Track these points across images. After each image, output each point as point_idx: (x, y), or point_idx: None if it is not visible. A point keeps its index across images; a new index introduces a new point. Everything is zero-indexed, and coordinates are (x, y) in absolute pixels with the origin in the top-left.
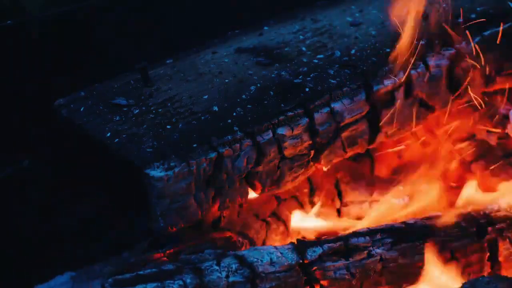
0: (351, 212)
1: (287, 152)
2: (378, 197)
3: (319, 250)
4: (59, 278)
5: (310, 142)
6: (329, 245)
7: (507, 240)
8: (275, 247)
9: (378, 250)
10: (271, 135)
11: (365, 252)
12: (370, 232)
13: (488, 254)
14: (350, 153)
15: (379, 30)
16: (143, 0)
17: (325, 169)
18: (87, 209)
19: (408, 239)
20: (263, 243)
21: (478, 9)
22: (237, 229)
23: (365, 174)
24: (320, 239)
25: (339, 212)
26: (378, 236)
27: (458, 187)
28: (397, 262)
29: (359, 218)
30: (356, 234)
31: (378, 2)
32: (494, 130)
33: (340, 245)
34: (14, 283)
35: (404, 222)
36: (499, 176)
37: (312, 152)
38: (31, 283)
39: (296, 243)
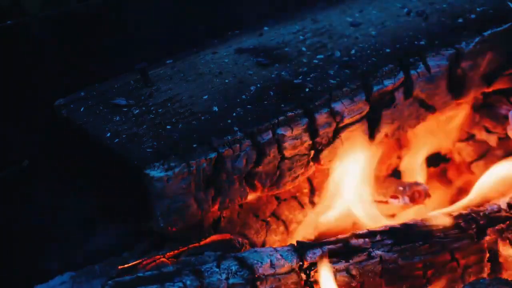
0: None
1: (287, 153)
2: (378, 197)
3: (319, 252)
4: (59, 278)
5: (310, 142)
6: (329, 246)
7: (507, 241)
8: (275, 249)
9: (378, 252)
10: (271, 135)
11: (365, 253)
12: (370, 234)
13: (488, 255)
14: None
15: (379, 30)
16: (143, 0)
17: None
18: (87, 209)
19: (408, 240)
20: (263, 244)
21: (478, 9)
22: (237, 229)
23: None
24: (320, 241)
25: None
26: (378, 238)
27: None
28: (397, 263)
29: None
30: (356, 235)
31: (378, 2)
32: (494, 130)
33: (340, 247)
34: (14, 283)
35: (403, 223)
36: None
37: (312, 152)
38: (31, 283)
39: (296, 244)
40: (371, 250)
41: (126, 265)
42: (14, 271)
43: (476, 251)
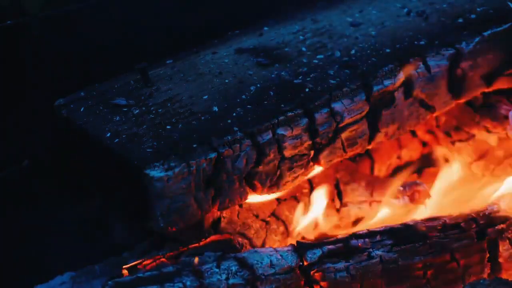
0: (351, 212)
1: (287, 153)
2: (378, 197)
3: (319, 252)
4: (59, 278)
5: (310, 142)
6: (329, 247)
7: (507, 241)
8: (275, 249)
9: (378, 252)
10: (271, 135)
11: (365, 253)
12: (370, 234)
13: (488, 255)
14: (350, 153)
15: (379, 31)
16: (144, 0)
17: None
18: (87, 209)
19: (408, 241)
20: (263, 243)
21: (478, 9)
22: (237, 229)
23: (365, 174)
24: (320, 241)
25: (338, 212)
26: (378, 238)
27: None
28: (397, 263)
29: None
30: (356, 235)
31: (378, 2)
32: (494, 130)
33: (340, 247)
34: (14, 283)
35: (403, 224)
36: (499, 177)
37: (312, 152)
38: (31, 283)
39: (296, 244)
40: (371, 250)
41: (126, 265)
42: (14, 271)
43: (476, 251)
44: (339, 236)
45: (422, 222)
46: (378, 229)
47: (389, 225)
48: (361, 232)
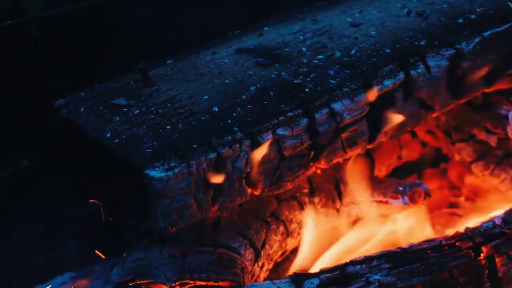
0: (351, 212)
1: (287, 153)
2: (378, 197)
3: (316, 281)
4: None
5: (310, 142)
6: (327, 275)
7: (504, 256)
8: (273, 282)
9: (376, 277)
10: (271, 135)
11: (363, 279)
12: (366, 260)
13: (487, 271)
14: (350, 153)
15: (379, 31)
16: (143, 0)
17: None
18: (87, 209)
19: (405, 263)
20: (263, 243)
21: (478, 9)
22: (237, 229)
23: (365, 174)
24: (318, 271)
25: (338, 212)
26: (375, 263)
27: (458, 187)
28: (396, 286)
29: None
30: (352, 262)
31: (378, 2)
32: (494, 130)
33: (337, 274)
34: (15, 283)
35: (399, 247)
36: (499, 177)
37: (312, 152)
38: (31, 283)
39: (293, 275)
40: (368, 275)
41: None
42: (15, 272)
43: (475, 268)
44: (336, 264)
45: (418, 244)
46: (374, 254)
47: (385, 250)
48: (357, 259)
